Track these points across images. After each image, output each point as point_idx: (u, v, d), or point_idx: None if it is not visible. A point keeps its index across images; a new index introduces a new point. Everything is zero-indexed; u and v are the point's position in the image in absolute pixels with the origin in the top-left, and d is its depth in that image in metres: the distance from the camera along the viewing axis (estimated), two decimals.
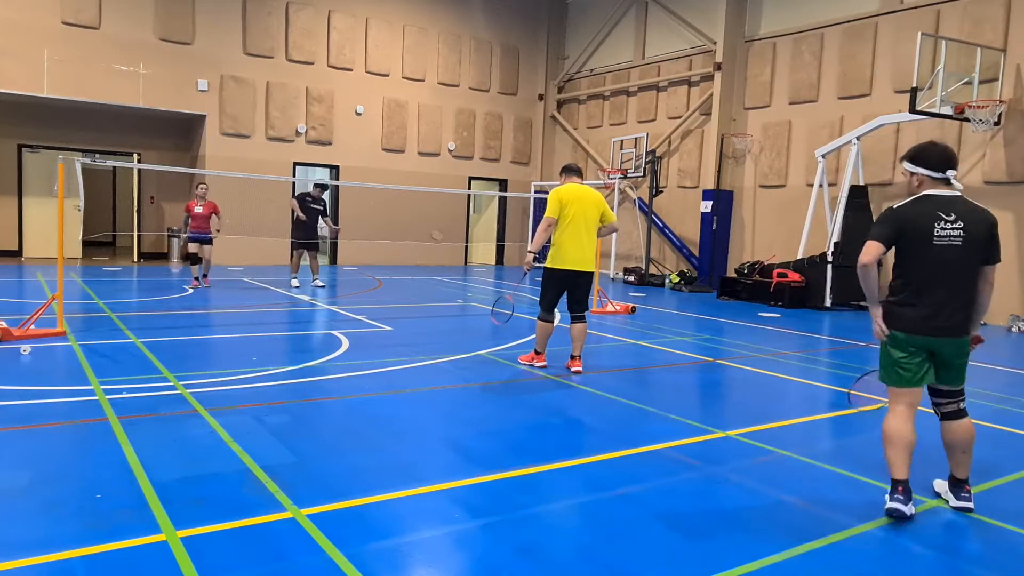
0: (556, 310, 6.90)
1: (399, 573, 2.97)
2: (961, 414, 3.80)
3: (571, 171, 6.99)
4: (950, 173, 3.69)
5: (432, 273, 17.09)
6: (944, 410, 3.83)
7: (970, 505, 3.79)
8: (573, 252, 6.69)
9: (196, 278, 12.33)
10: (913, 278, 3.69)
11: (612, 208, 18.47)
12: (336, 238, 15.18)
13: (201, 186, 12.35)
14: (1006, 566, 3.23)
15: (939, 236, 3.62)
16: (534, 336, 7.07)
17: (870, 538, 3.44)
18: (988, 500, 4.00)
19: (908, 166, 3.81)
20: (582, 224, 6.70)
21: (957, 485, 3.85)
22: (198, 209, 12.18)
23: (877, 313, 3.82)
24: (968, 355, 3.78)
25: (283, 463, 4.07)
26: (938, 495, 3.97)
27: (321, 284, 12.91)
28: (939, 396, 3.83)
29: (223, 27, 16.30)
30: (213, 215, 12.29)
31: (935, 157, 3.72)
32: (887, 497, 3.66)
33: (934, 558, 3.28)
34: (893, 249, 3.76)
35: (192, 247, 12.34)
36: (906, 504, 3.59)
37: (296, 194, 13.27)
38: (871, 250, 3.70)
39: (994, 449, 4.99)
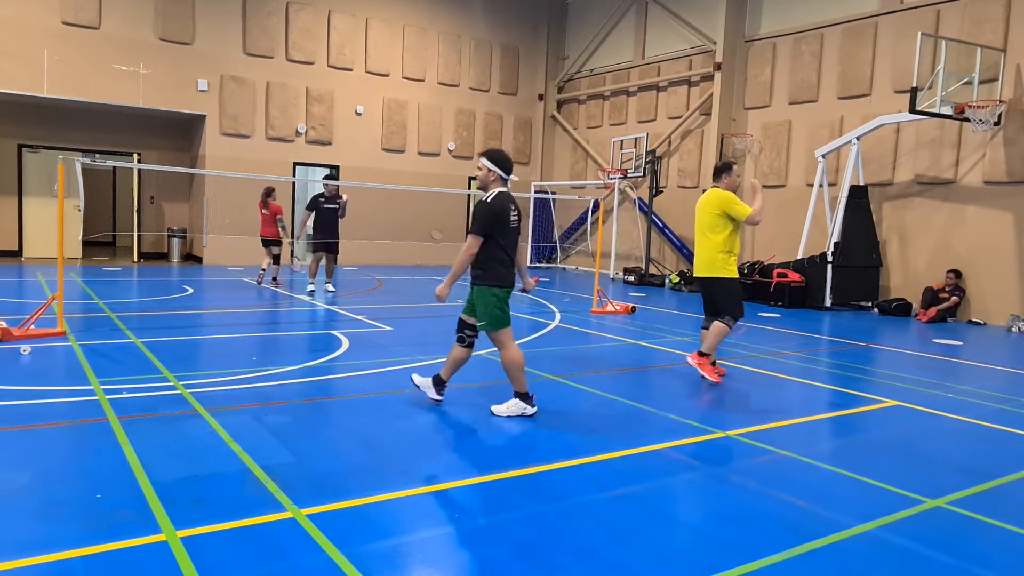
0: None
1: (399, 573, 2.97)
2: (473, 342, 5.35)
3: (714, 173, 7.00)
4: (512, 177, 5.21)
5: (432, 273, 17.08)
6: (471, 338, 5.32)
7: (441, 398, 5.39)
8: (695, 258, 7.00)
9: (275, 279, 12.84)
10: (505, 251, 5.11)
11: (612, 208, 18.59)
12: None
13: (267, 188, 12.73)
14: (1007, 566, 3.23)
15: (512, 221, 5.12)
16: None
17: (870, 538, 3.44)
18: (988, 500, 4.00)
19: (487, 163, 5.13)
20: (696, 229, 6.96)
21: (440, 384, 5.41)
22: (265, 211, 12.60)
23: (453, 282, 5.13)
24: None
25: (283, 463, 4.07)
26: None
27: (332, 289, 12.23)
28: (473, 328, 5.30)
29: (223, 27, 16.28)
30: (278, 217, 12.55)
31: (508, 164, 5.17)
32: (528, 404, 5.17)
33: (934, 558, 3.27)
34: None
35: (266, 256, 12.73)
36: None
37: (309, 199, 12.27)
38: (476, 243, 5.05)
39: (994, 449, 4.99)
